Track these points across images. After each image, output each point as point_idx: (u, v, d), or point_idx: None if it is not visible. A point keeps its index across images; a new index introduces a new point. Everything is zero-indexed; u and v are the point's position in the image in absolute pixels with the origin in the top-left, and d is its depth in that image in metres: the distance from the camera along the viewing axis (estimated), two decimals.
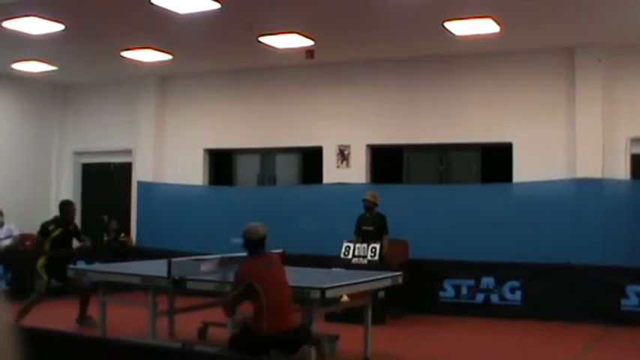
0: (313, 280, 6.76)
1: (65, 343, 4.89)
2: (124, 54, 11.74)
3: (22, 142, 14.47)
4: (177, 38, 10.76)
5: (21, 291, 9.25)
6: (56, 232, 8.89)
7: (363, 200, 10.10)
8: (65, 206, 9.24)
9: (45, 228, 8.95)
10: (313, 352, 6.13)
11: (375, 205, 10.07)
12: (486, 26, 9.62)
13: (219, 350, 6.07)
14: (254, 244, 5.83)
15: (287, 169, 13.58)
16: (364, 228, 10.06)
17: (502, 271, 10.13)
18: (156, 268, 7.65)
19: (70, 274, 8.57)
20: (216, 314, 7.81)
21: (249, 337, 5.73)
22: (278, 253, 6.23)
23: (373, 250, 9.69)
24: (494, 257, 10.24)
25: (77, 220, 14.70)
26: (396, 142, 12.35)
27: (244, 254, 6.01)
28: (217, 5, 8.75)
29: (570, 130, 10.96)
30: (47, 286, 8.73)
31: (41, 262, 8.82)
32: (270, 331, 5.59)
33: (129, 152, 14.43)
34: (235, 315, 6.33)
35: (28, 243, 12.28)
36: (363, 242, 9.86)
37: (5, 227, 11.96)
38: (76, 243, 9.55)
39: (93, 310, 8.72)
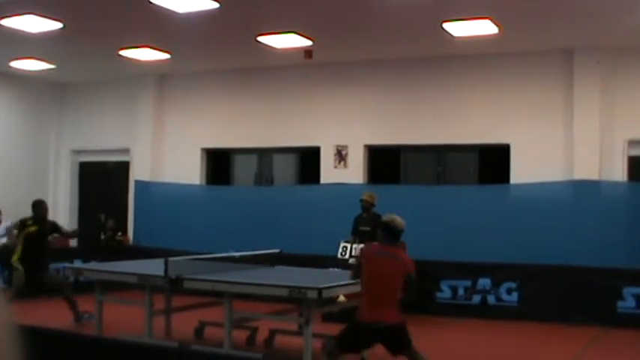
0: (310, 280, 6.77)
1: (62, 341, 4.88)
2: (123, 53, 11.73)
3: (19, 140, 14.44)
4: (175, 37, 10.75)
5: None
6: (32, 228, 9.02)
7: (361, 200, 10.10)
8: (37, 205, 9.35)
9: (23, 222, 9.14)
10: (309, 351, 6.10)
11: (373, 205, 10.07)
12: (485, 27, 9.63)
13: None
14: (390, 234, 6.04)
15: (284, 169, 13.57)
16: (361, 228, 10.05)
17: (499, 272, 10.13)
18: (153, 267, 7.65)
19: (51, 272, 8.64)
20: (213, 314, 7.81)
21: (354, 329, 5.77)
22: (402, 246, 6.44)
23: None
24: (491, 258, 10.24)
25: (74, 219, 14.87)
26: (393, 143, 12.35)
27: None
28: (216, 5, 8.74)
29: (568, 131, 10.96)
30: (25, 277, 8.82)
31: (15, 257, 8.99)
32: (370, 320, 5.61)
33: (126, 151, 14.42)
34: None
35: None
36: (360, 242, 9.84)
37: (2, 225, 11.94)
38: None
39: (90, 309, 8.66)
